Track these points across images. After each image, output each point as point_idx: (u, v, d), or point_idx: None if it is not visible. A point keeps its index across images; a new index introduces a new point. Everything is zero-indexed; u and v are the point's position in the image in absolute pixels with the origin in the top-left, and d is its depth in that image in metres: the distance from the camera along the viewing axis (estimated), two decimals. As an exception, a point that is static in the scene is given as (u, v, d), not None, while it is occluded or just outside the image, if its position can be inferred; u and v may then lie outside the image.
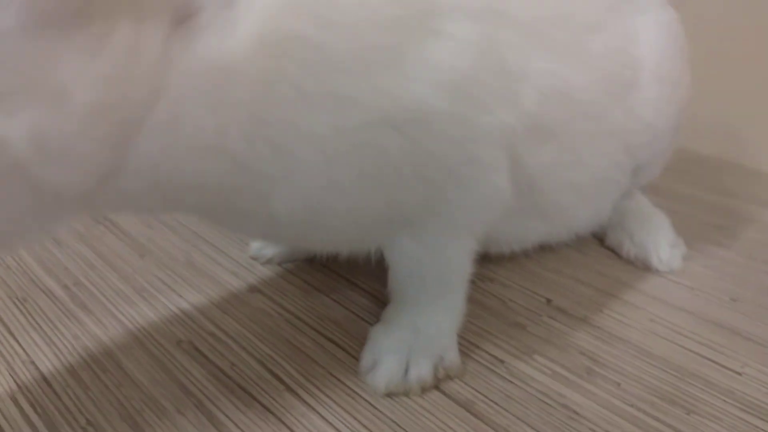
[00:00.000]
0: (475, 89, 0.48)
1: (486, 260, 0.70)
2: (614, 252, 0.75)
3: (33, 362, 0.55)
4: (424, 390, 0.53)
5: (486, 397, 0.53)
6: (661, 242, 0.72)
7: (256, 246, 0.72)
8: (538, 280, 0.69)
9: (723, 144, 1.02)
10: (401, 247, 0.55)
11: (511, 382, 0.55)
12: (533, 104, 0.53)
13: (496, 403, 0.52)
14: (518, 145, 0.53)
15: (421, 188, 0.49)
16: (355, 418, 0.50)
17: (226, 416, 0.50)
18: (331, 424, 0.50)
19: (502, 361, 0.57)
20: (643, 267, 0.72)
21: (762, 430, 0.51)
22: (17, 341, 0.57)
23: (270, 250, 0.71)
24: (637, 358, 0.58)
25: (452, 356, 0.56)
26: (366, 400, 0.52)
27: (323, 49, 0.42)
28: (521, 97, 0.52)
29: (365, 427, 0.50)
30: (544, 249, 0.73)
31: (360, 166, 0.46)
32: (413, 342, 0.55)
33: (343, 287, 0.67)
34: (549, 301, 0.66)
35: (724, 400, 0.54)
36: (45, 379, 0.53)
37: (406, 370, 0.54)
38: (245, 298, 0.65)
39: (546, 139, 0.56)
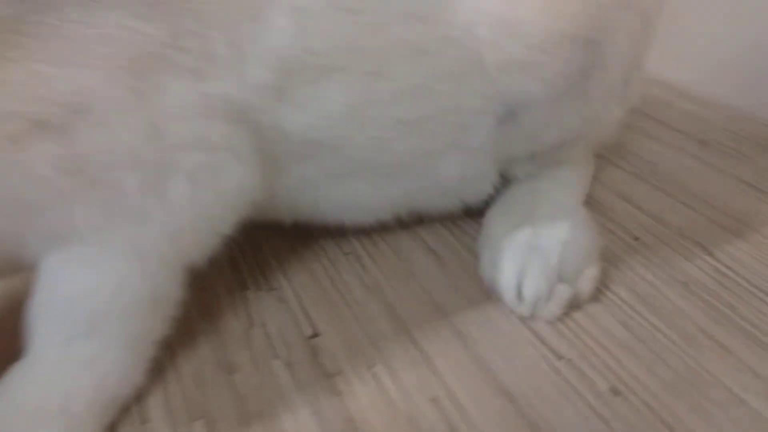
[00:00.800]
0: (167, 55, 0.35)
1: (288, 260, 0.50)
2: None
3: None
4: None
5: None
6: (532, 267, 0.43)
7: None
8: (336, 300, 0.46)
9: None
10: (48, 272, 0.38)
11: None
12: (290, 42, 0.38)
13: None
14: (273, 102, 0.39)
15: (96, 196, 0.36)
16: None
17: None
18: None
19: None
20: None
21: None
22: None
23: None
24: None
25: None
26: None
27: None
28: (264, 41, 0.38)
29: None
30: (399, 253, 0.50)
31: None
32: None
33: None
34: (314, 335, 0.44)
35: None
36: None
37: None
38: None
39: (326, 75, 0.40)
